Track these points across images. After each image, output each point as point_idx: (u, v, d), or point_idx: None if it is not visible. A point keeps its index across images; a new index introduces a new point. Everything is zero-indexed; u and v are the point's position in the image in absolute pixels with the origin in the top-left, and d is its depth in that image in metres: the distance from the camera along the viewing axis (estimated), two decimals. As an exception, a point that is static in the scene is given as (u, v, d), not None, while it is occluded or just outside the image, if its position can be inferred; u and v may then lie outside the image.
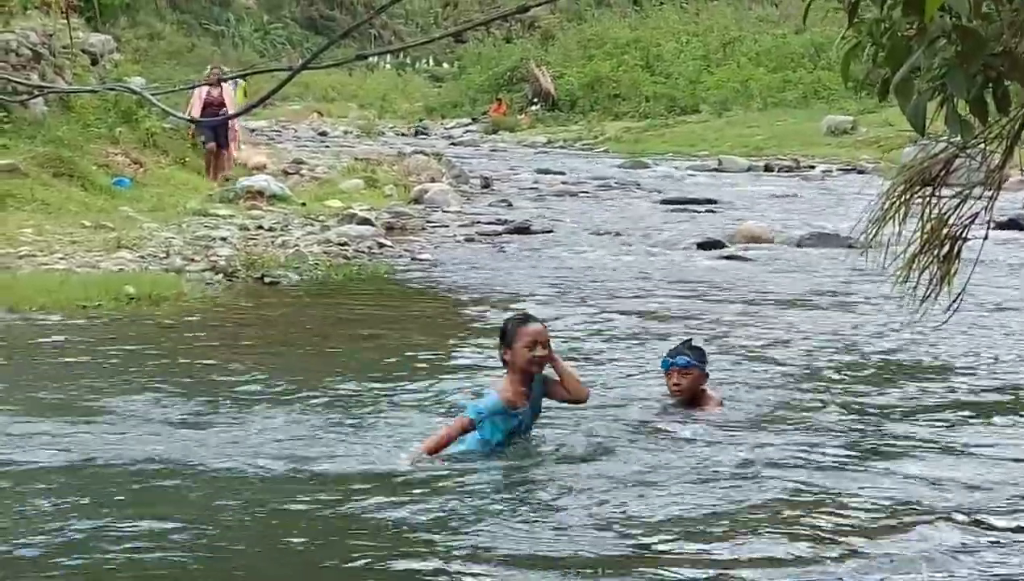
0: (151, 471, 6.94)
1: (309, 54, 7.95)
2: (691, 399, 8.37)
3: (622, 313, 12.55)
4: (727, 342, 10.93)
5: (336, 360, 10.37)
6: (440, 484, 6.69)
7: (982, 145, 4.26)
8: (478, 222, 20.60)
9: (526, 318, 7.48)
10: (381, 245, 17.50)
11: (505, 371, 7.33)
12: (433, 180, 25.08)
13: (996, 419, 8.36)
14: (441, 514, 6.17)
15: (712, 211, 23.46)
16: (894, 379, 9.66)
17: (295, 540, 5.86)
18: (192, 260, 15.18)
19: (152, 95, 9.03)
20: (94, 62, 25.41)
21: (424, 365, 10.05)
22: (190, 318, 12.12)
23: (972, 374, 9.83)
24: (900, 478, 6.88)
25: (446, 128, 50.89)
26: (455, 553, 5.59)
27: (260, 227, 18.09)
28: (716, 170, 33.10)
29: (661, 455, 7.35)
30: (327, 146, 36.76)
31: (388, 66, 64.67)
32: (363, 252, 16.82)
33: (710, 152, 37.09)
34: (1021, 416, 8.46)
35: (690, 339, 8.82)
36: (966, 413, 8.52)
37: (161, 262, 15.01)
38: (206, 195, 20.60)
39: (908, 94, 3.91)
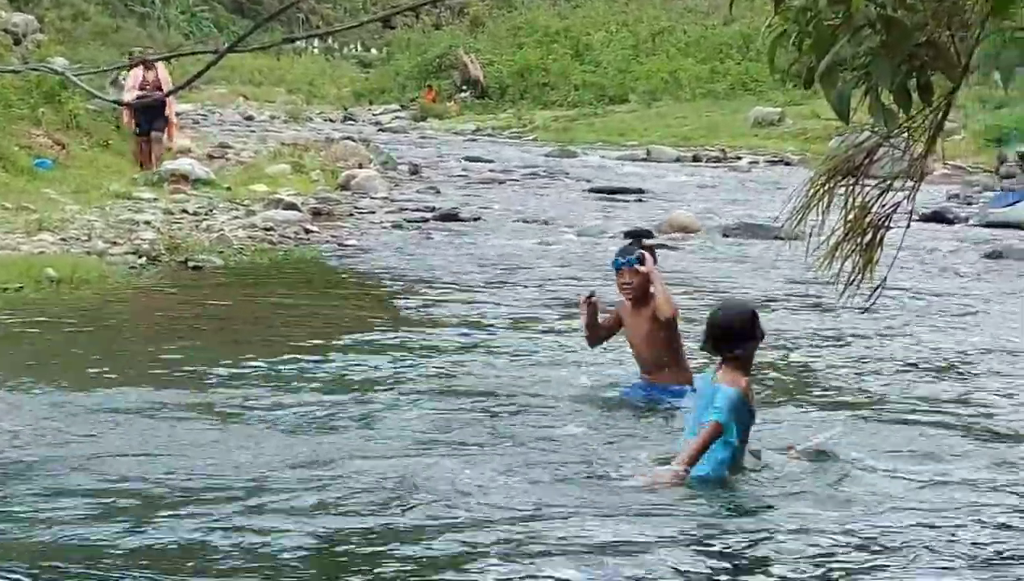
0: (65, 457, 6.86)
1: (235, 37, 7.87)
2: (641, 296, 8.36)
3: (549, 301, 12.55)
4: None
5: (259, 344, 10.29)
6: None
7: (905, 135, 4.27)
8: (406, 209, 20.53)
9: (752, 308, 6.95)
10: (307, 231, 17.39)
11: (718, 369, 6.70)
12: (361, 166, 24.95)
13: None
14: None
15: (641, 200, 23.56)
16: (817, 373, 9.74)
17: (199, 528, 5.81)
18: (115, 243, 15.00)
19: (76, 76, 8.89)
20: (16, 42, 25.06)
21: (349, 348, 10.00)
22: (112, 302, 12.00)
23: (888, 368, 9.93)
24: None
25: (374, 114, 50.63)
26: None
27: (184, 211, 17.91)
28: (645, 160, 33.20)
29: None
30: (253, 131, 36.48)
31: (316, 51, 64.20)
32: (289, 237, 16.70)
33: (639, 142, 37.20)
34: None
35: (640, 236, 8.82)
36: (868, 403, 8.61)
37: (83, 245, 14.82)
38: (130, 178, 20.36)
39: (833, 83, 3.91)
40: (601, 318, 8.58)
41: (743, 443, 6.59)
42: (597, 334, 8.62)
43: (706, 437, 6.43)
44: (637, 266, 8.30)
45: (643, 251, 8.36)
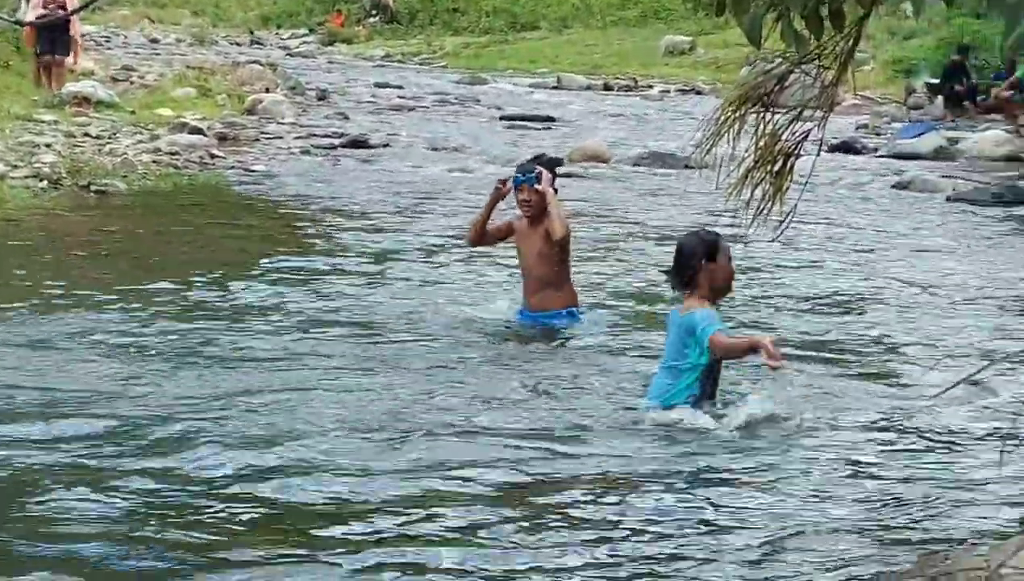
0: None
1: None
2: (538, 214, 8.39)
3: (456, 229, 12.47)
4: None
5: (163, 270, 10.12)
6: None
7: (816, 63, 4.22)
8: (314, 135, 20.29)
9: (715, 233, 6.73)
10: (213, 156, 17.11)
11: (686, 292, 6.61)
12: (268, 91, 24.60)
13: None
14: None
15: (551, 128, 23.48)
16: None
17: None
18: (15, 166, 14.67)
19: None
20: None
21: (256, 273, 9.88)
22: (11, 226, 11.74)
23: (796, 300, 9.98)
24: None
25: (282, 39, 49.99)
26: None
27: (87, 135, 17.53)
28: (555, 88, 33.09)
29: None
30: (158, 54, 35.84)
31: (224, -27, 63.26)
32: (194, 162, 16.42)
33: (550, 69, 37.07)
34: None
35: (543, 153, 8.88)
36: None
37: (-18, 168, 14.50)
38: (30, 100, 19.92)
39: (745, 8, 3.86)
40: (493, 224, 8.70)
41: (711, 372, 6.54)
42: (484, 232, 8.73)
43: (724, 345, 6.39)
44: (536, 185, 8.34)
45: (542, 169, 8.40)
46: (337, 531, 4.93)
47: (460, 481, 5.51)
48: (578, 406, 6.73)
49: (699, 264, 6.48)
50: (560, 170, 8.91)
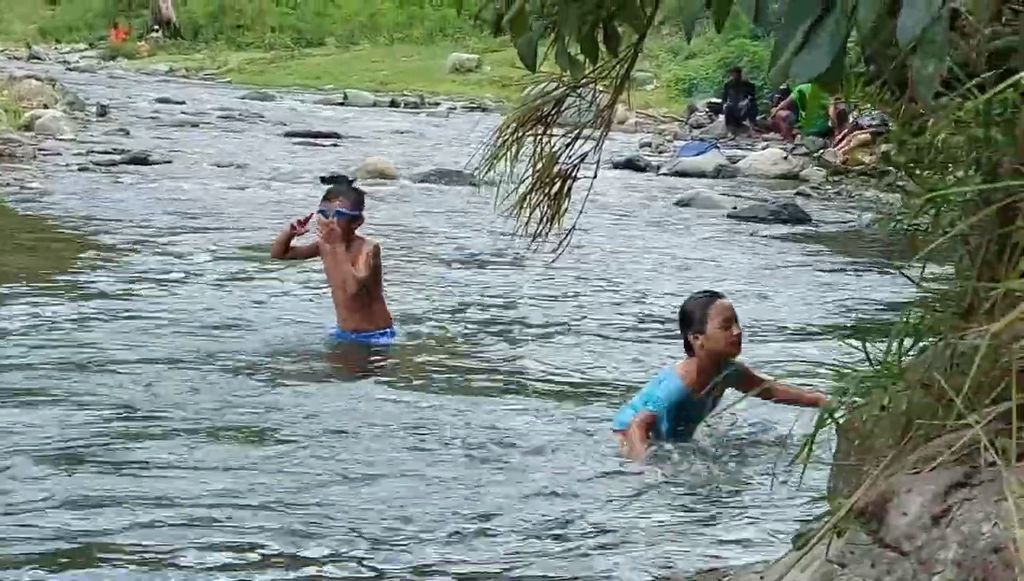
0: None
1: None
2: (347, 242, 8.37)
3: (241, 247, 12.31)
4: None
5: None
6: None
7: (592, 86, 4.25)
8: (93, 151, 19.83)
9: (712, 295, 6.60)
10: (-13, 173, 16.62)
11: (686, 357, 6.50)
12: (46, 106, 24.00)
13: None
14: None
15: (337, 145, 23.39)
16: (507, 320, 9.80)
17: None
18: None
19: None
20: None
21: (24, 296, 9.56)
22: None
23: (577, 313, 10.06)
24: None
25: (61, 53, 48.86)
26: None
27: None
28: (342, 104, 33.01)
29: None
30: (-70, 67, 34.73)
31: (-1, -15, 61.57)
32: (-33, 180, 15.93)
33: (336, 86, 36.94)
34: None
35: (347, 181, 8.86)
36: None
37: None
38: None
39: (522, 30, 3.85)
40: (299, 242, 8.68)
41: (680, 430, 6.48)
42: (286, 250, 8.70)
43: (639, 430, 6.28)
44: (333, 221, 8.32)
45: (340, 209, 8.35)
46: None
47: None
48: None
49: (690, 336, 6.43)
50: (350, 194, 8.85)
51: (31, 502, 5.30)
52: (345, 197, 8.46)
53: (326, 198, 8.51)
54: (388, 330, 8.60)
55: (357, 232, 8.49)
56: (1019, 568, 2.30)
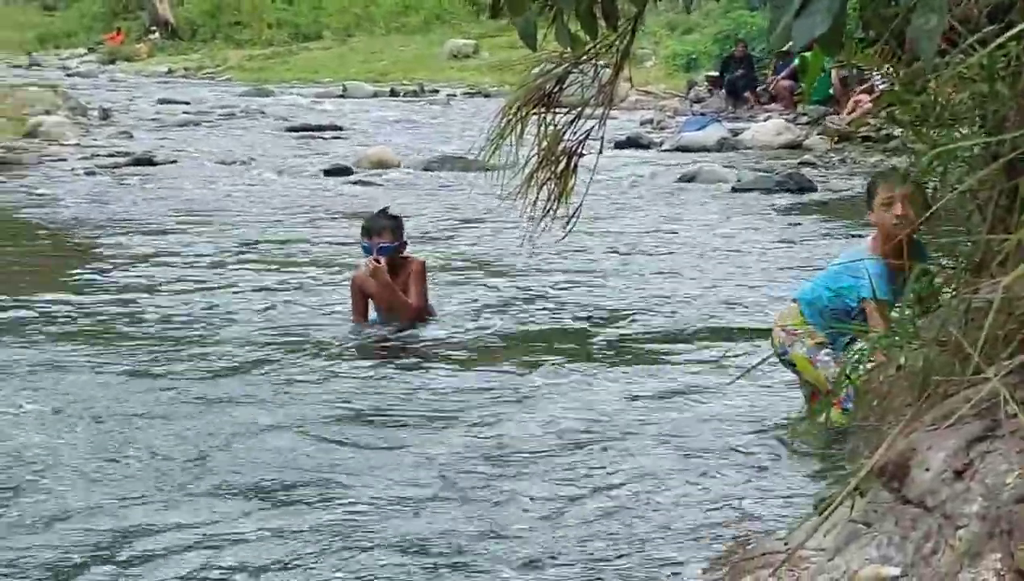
0: None
1: None
2: (391, 267, 8.35)
3: (252, 242, 12.32)
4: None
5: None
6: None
7: (593, 62, 4.26)
8: (98, 155, 19.86)
9: (884, 174, 6.28)
10: (-6, 182, 16.65)
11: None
12: (48, 113, 24.04)
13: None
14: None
15: (339, 137, 23.41)
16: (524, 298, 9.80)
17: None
18: None
19: None
20: None
21: (36, 300, 9.57)
22: None
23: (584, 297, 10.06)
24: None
25: (61, 59, 48.89)
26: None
27: None
28: (341, 96, 33.01)
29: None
30: (-70, 79, 34.79)
31: (-5, -6, 61.63)
32: (-26, 189, 15.96)
33: (334, 79, 36.94)
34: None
35: (385, 209, 8.81)
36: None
37: None
38: None
39: (520, 10, 3.86)
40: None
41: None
42: (365, 309, 8.65)
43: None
44: (381, 261, 8.29)
45: (382, 244, 8.32)
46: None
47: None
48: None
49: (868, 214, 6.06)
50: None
51: (30, 505, 5.32)
52: (385, 231, 8.41)
53: (366, 233, 8.43)
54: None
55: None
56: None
